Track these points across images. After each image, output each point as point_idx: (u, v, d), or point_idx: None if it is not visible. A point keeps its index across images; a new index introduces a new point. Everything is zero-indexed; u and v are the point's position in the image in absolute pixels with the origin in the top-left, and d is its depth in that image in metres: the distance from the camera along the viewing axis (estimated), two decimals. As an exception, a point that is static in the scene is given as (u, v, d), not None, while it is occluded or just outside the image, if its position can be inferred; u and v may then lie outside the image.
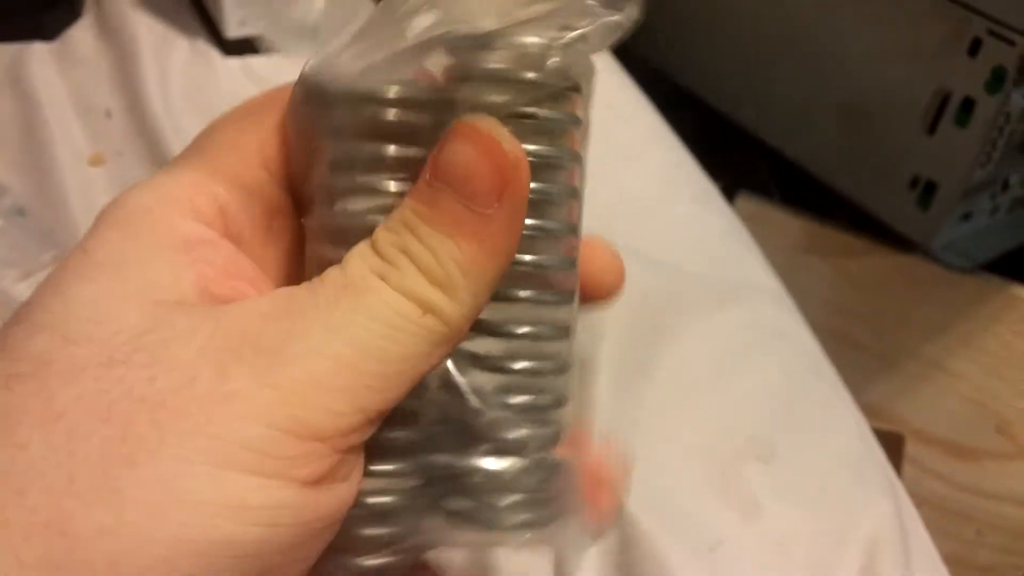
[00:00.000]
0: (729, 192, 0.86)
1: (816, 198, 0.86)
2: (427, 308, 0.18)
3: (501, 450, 0.21)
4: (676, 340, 0.52)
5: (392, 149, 0.20)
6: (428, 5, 0.20)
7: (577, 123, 0.21)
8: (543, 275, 0.21)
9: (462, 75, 0.20)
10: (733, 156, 0.91)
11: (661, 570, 0.42)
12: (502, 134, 0.18)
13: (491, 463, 0.21)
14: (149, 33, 0.70)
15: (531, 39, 0.20)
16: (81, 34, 0.71)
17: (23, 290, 0.53)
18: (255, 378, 0.17)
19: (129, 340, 0.17)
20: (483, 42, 0.20)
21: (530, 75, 0.20)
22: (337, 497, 0.18)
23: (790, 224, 0.85)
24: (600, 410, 0.48)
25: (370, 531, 0.20)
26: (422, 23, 0.20)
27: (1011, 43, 0.65)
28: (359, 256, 0.19)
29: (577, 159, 0.22)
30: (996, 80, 0.67)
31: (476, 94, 0.20)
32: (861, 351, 0.84)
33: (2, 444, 0.15)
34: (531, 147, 0.20)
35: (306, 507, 0.17)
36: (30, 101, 0.65)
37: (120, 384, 0.16)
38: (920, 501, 0.82)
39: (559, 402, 0.22)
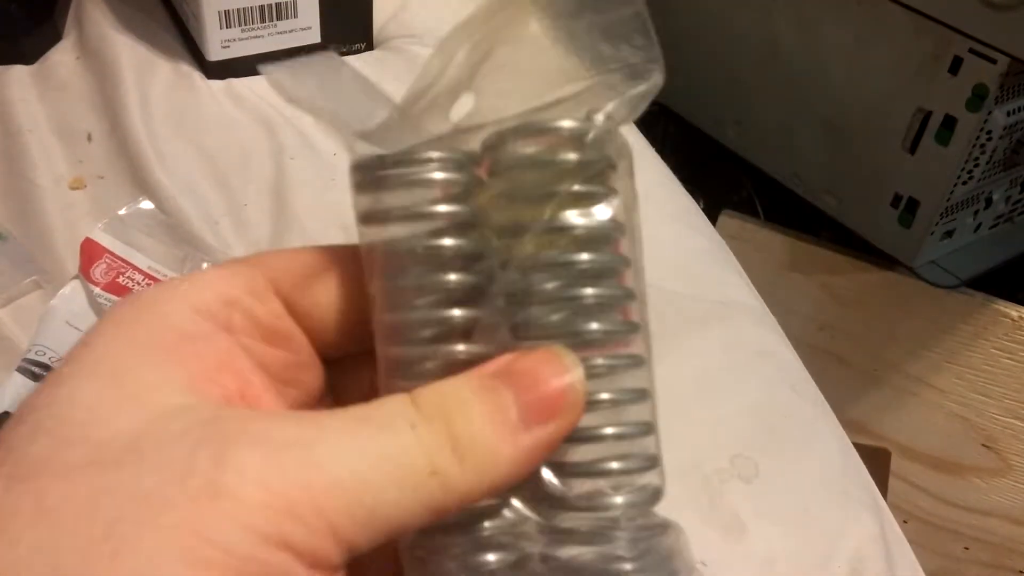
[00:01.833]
0: (712, 210, 0.86)
1: (799, 215, 0.86)
2: (436, 471, 0.18)
3: (599, 520, 0.21)
4: (660, 362, 0.52)
5: (447, 278, 0.20)
6: (460, 88, 0.20)
7: (614, 195, 0.21)
8: (610, 340, 0.21)
9: (505, 163, 0.21)
10: (716, 174, 0.91)
11: (644, 593, 0.42)
12: (578, 373, 0.19)
13: (590, 535, 0.20)
14: (131, 55, 0.70)
15: (566, 123, 0.20)
16: (62, 57, 0.71)
17: (4, 316, 0.53)
18: (249, 474, 0.17)
19: (124, 444, 0.17)
20: (522, 129, 0.20)
21: (570, 156, 0.20)
22: None
23: (774, 241, 0.85)
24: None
25: None
26: (461, 109, 0.20)
27: (992, 61, 0.66)
28: (397, 401, 0.19)
29: (622, 230, 0.22)
30: (977, 98, 0.68)
31: (519, 180, 0.20)
32: (846, 367, 0.84)
33: None
34: (580, 222, 0.20)
35: None
36: (10, 125, 0.65)
37: (110, 483, 0.16)
38: (907, 517, 0.82)
39: (651, 463, 0.22)
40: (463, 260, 0.21)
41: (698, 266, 0.60)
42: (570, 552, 0.20)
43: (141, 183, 0.62)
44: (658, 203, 0.65)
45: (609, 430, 0.21)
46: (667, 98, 0.93)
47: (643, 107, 0.21)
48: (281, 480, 0.17)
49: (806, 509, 0.47)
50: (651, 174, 0.68)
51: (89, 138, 0.66)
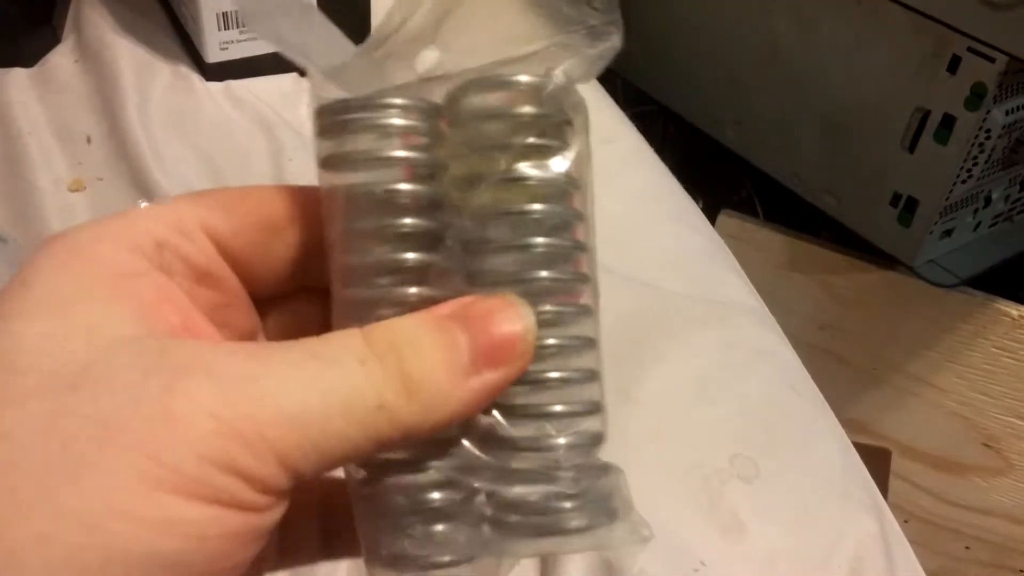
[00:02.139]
0: (711, 210, 0.86)
1: (799, 215, 0.86)
2: (383, 405, 0.19)
3: (544, 461, 0.21)
4: (659, 361, 0.52)
5: (404, 221, 0.21)
6: (424, 39, 0.21)
7: (569, 149, 0.22)
8: (560, 289, 0.22)
9: (465, 115, 0.21)
10: (715, 174, 0.91)
11: (644, 593, 0.42)
12: (531, 321, 0.20)
13: (534, 474, 0.21)
14: (130, 58, 0.70)
15: (524, 78, 0.21)
16: (61, 60, 0.71)
17: (1, 318, 0.53)
18: (199, 403, 0.17)
19: (76, 371, 0.18)
20: (482, 82, 0.21)
21: (526, 110, 0.21)
22: (261, 518, 0.19)
23: (773, 241, 0.85)
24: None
25: (427, 529, 0.21)
26: (425, 62, 0.21)
27: (991, 60, 0.66)
28: (346, 336, 0.20)
29: (575, 185, 0.22)
30: (976, 97, 0.68)
31: (478, 131, 0.21)
32: (846, 367, 0.84)
33: None
34: (534, 173, 0.21)
35: (229, 524, 0.18)
36: (10, 127, 0.65)
37: (65, 406, 0.17)
38: (908, 516, 0.82)
39: (593, 408, 0.22)
40: (421, 206, 0.21)
41: (697, 266, 0.60)
42: (515, 491, 0.21)
43: (140, 184, 0.62)
44: (657, 202, 0.65)
45: (555, 375, 0.21)
46: (666, 98, 0.93)
47: (601, 67, 0.21)
48: (230, 411, 0.17)
49: (806, 509, 0.47)
50: (650, 173, 0.68)
51: (88, 140, 0.66)
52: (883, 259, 0.80)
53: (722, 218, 0.87)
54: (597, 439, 0.23)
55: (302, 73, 0.74)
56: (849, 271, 0.82)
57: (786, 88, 0.81)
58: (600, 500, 0.22)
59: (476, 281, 0.21)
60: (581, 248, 0.23)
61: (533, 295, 0.21)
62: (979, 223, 0.79)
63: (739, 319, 0.57)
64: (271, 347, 0.19)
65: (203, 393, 0.17)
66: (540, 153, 0.21)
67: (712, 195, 0.88)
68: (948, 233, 0.76)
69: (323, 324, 0.22)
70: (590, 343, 0.22)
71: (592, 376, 0.22)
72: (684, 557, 0.44)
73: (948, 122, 0.69)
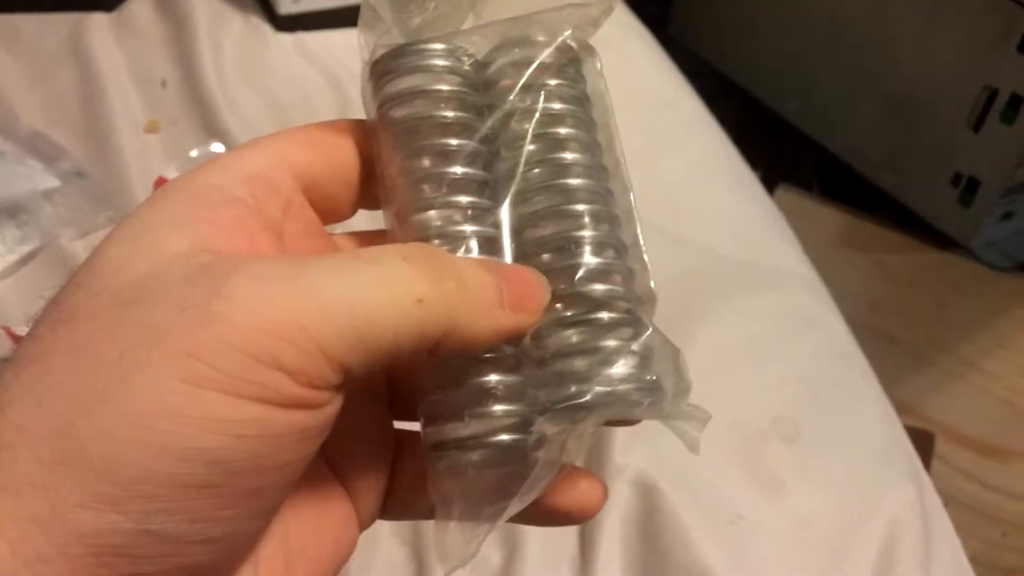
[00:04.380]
0: (769, 184, 0.86)
1: (856, 192, 0.86)
2: (423, 298, 0.20)
3: (594, 328, 0.23)
4: (709, 321, 0.53)
5: (451, 141, 0.24)
6: (467, 5, 0.25)
7: (582, 81, 0.26)
8: (589, 175, 0.24)
9: (501, 65, 0.25)
10: (775, 148, 0.91)
11: (683, 540, 0.43)
12: (546, 286, 0.23)
13: (589, 342, 0.23)
14: (205, 7, 0.72)
15: (541, 36, 0.25)
16: (139, 6, 0.73)
17: (80, 248, 0.56)
18: (240, 302, 0.18)
19: (137, 286, 0.19)
20: (512, 40, 0.25)
21: (545, 57, 0.25)
22: (309, 417, 0.19)
23: (829, 217, 0.85)
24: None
25: (492, 408, 0.22)
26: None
27: (1062, 40, 0.65)
28: (392, 245, 0.21)
29: (589, 105, 0.26)
30: (1045, 77, 0.67)
31: (512, 76, 0.24)
32: (895, 347, 0.84)
33: (37, 369, 0.19)
34: (556, 105, 0.24)
35: (273, 423, 0.19)
36: (89, 70, 0.67)
37: (123, 318, 0.19)
38: (947, 499, 0.82)
39: (633, 276, 0.24)
40: (465, 129, 0.24)
41: (753, 233, 0.61)
42: (573, 363, 0.23)
43: (212, 129, 0.64)
44: (716, 169, 0.66)
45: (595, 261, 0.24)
46: (729, 69, 0.92)
47: (603, 21, 0.25)
48: (270, 306, 0.19)
49: (846, 472, 0.47)
50: (710, 141, 0.68)
51: (164, 84, 0.68)
52: (939, 240, 0.79)
53: (779, 192, 0.87)
54: (649, 298, 0.24)
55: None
56: (905, 251, 0.82)
57: (851, 63, 0.80)
58: (651, 371, 0.23)
59: (513, 197, 0.24)
60: (598, 162, 0.25)
61: (564, 195, 0.24)
62: (1040, 207, 0.78)
63: (791, 287, 0.57)
64: (315, 256, 0.21)
65: (244, 292, 0.19)
66: (559, 88, 0.25)
67: (770, 168, 0.88)
68: (1008, 216, 0.76)
69: None
70: (620, 218, 0.25)
71: (627, 269, 0.24)
72: (722, 508, 0.45)
73: (1016, 102, 0.69)
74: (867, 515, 0.45)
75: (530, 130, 0.24)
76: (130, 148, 0.62)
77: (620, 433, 0.47)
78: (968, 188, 0.74)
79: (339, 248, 0.26)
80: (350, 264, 0.20)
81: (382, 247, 0.21)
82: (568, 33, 0.25)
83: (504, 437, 0.22)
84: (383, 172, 0.24)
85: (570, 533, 0.45)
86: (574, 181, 0.24)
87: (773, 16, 0.87)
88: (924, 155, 0.77)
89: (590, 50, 0.26)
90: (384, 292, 0.19)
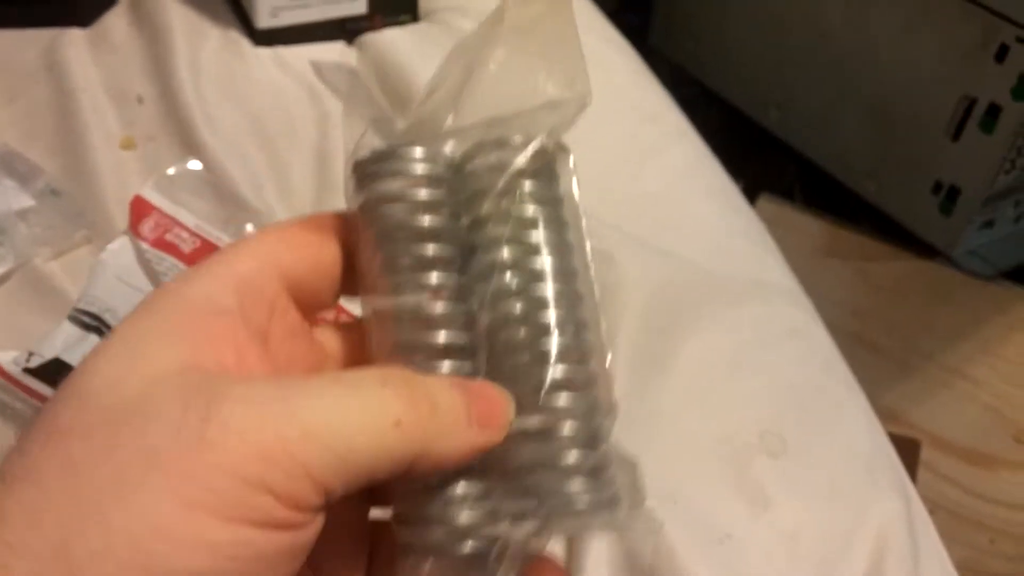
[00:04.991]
0: (750, 193, 0.86)
1: (838, 201, 0.86)
2: (400, 422, 0.21)
3: (551, 450, 0.24)
4: (692, 334, 0.53)
5: (426, 246, 0.25)
6: (447, 108, 0.26)
7: (555, 184, 0.27)
8: (562, 295, 0.25)
9: (476, 167, 0.26)
10: (756, 158, 0.91)
11: (670, 561, 0.42)
12: (511, 407, 0.24)
13: (543, 461, 0.24)
14: (182, 21, 0.71)
15: (518, 137, 0.25)
16: (115, 21, 0.72)
17: (55, 268, 0.55)
18: (231, 428, 0.19)
19: (131, 406, 0.20)
20: (487, 144, 0.26)
21: (520, 162, 0.25)
22: (296, 537, 0.20)
23: (811, 226, 0.85)
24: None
25: (459, 517, 0.23)
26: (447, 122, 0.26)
27: (1039, 50, 0.65)
28: (370, 370, 0.22)
29: (559, 207, 0.26)
30: (1023, 86, 0.67)
31: (486, 181, 0.25)
32: (879, 355, 0.84)
33: (30, 488, 0.19)
34: (529, 209, 0.25)
35: (262, 544, 0.20)
36: (65, 85, 0.67)
37: (122, 439, 0.20)
38: (934, 507, 0.82)
39: (595, 386, 0.25)
40: (441, 235, 0.25)
41: (735, 244, 0.61)
42: (527, 479, 0.24)
43: (189, 145, 0.63)
44: (697, 180, 0.66)
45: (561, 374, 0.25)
46: (709, 79, 0.93)
47: (578, 118, 0.26)
48: (260, 432, 0.19)
49: (832, 486, 0.47)
50: (692, 151, 0.68)
51: (140, 100, 0.67)
52: (921, 248, 0.79)
53: (761, 202, 0.87)
54: (610, 410, 0.25)
55: (349, 41, 0.75)
56: (886, 259, 0.82)
57: (831, 72, 0.80)
58: (608, 486, 0.24)
59: (487, 301, 0.25)
60: (570, 265, 0.26)
61: (535, 302, 0.25)
62: (1021, 215, 0.78)
63: (774, 298, 0.57)
64: (299, 377, 0.22)
65: (235, 418, 0.19)
66: (533, 194, 0.26)
67: (751, 179, 0.88)
68: (989, 224, 0.76)
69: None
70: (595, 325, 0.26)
71: (591, 379, 0.25)
72: (710, 528, 0.44)
73: (994, 111, 0.69)
74: (855, 529, 0.45)
75: (504, 235, 0.25)
76: (106, 165, 0.61)
77: (605, 450, 0.46)
78: (949, 197, 0.74)
79: (320, 346, 0.26)
80: (332, 388, 0.21)
81: (362, 372, 0.22)
82: (543, 136, 0.25)
83: (467, 545, 0.23)
84: (363, 267, 0.25)
85: (555, 554, 0.45)
86: (544, 289, 0.25)
87: (753, 26, 0.87)
88: (905, 164, 0.77)
89: (564, 149, 0.27)
90: (365, 418, 0.21)
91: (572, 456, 0.23)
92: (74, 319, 0.49)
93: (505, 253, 0.25)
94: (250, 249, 0.24)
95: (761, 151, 0.92)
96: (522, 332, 0.24)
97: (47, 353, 0.47)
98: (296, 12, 0.72)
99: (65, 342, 0.48)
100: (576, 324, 0.25)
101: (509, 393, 0.24)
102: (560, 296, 0.25)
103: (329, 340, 0.27)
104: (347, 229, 0.25)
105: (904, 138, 0.77)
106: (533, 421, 0.23)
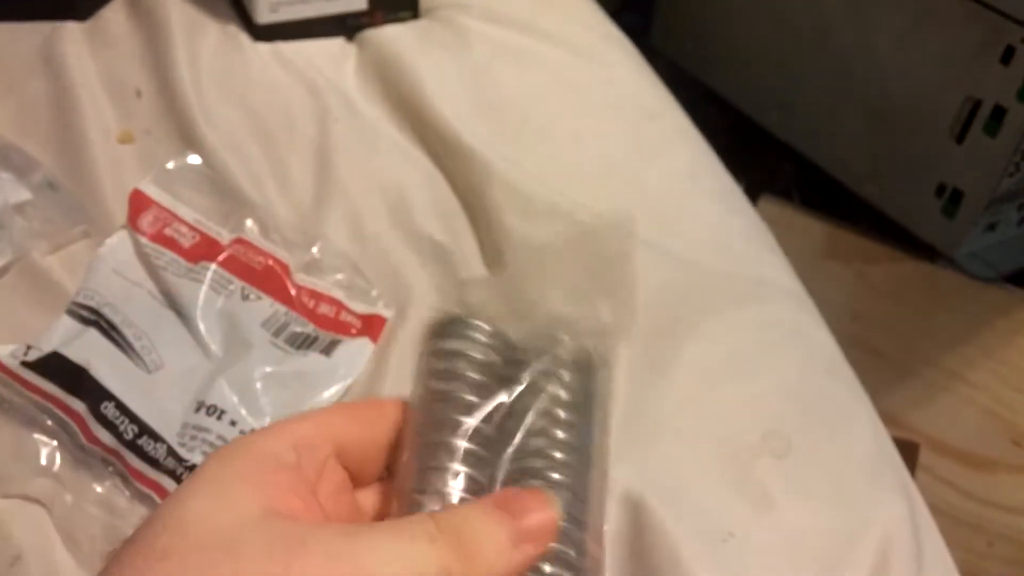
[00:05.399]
0: (750, 195, 0.86)
1: (836, 203, 0.86)
2: (447, 572, 0.24)
3: None
4: (695, 336, 0.52)
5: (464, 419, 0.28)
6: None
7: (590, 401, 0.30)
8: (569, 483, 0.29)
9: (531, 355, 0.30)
10: (755, 159, 0.91)
11: (673, 559, 0.42)
12: (557, 508, 0.27)
13: None
14: (181, 16, 0.71)
15: (566, 345, 0.30)
16: (113, 14, 0.72)
17: (53, 262, 0.54)
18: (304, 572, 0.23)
19: (222, 538, 0.24)
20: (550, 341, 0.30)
21: (564, 375, 0.30)
22: None
23: (812, 228, 0.85)
24: (617, 403, 0.48)
25: None
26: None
27: (1045, 51, 0.65)
28: (421, 519, 0.26)
29: (591, 407, 0.30)
30: (1028, 88, 0.67)
31: (529, 356, 0.30)
32: (879, 358, 0.84)
33: None
34: (563, 393, 0.29)
35: None
36: (62, 79, 0.66)
37: (214, 564, 0.23)
38: (932, 511, 0.81)
39: (586, 552, 0.28)
40: (478, 410, 0.29)
41: (738, 244, 0.60)
42: None
43: (188, 140, 0.63)
44: (700, 180, 0.65)
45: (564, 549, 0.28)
46: (711, 80, 0.92)
47: (618, 341, 0.31)
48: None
49: (837, 488, 0.47)
50: (694, 151, 0.68)
51: (138, 94, 0.67)
52: (922, 250, 0.79)
53: (761, 203, 0.87)
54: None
55: (349, 37, 0.74)
56: (887, 261, 0.82)
57: (834, 74, 0.80)
58: None
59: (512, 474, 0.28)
60: (585, 442, 0.30)
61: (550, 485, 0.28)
62: (1023, 218, 0.78)
63: (777, 299, 0.57)
64: (363, 527, 0.25)
65: (312, 568, 0.23)
66: (570, 383, 0.30)
67: (752, 180, 0.88)
68: (992, 227, 0.76)
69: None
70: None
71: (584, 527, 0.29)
72: (713, 527, 0.44)
73: (999, 114, 0.69)
74: (859, 532, 0.45)
75: (537, 407, 0.29)
76: (103, 159, 0.61)
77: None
78: (952, 199, 0.74)
79: (360, 505, 0.30)
80: (391, 542, 0.25)
81: (415, 523, 0.26)
82: (590, 343, 0.30)
83: None
84: (401, 453, 0.29)
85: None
86: (559, 456, 0.29)
87: (755, 25, 0.87)
88: (908, 166, 0.77)
89: (604, 361, 0.31)
90: (417, 570, 0.24)
91: None
92: (72, 313, 0.49)
93: (536, 421, 0.29)
94: (312, 415, 0.29)
95: (761, 152, 0.92)
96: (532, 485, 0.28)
97: (45, 347, 0.46)
98: (296, 7, 0.71)
99: (63, 336, 0.47)
100: (580, 497, 0.29)
101: (549, 493, 0.28)
102: (569, 467, 0.28)
103: (369, 500, 0.31)
104: (404, 418, 0.30)
105: (907, 140, 0.76)
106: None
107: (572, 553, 0.27)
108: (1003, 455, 0.81)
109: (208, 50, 0.70)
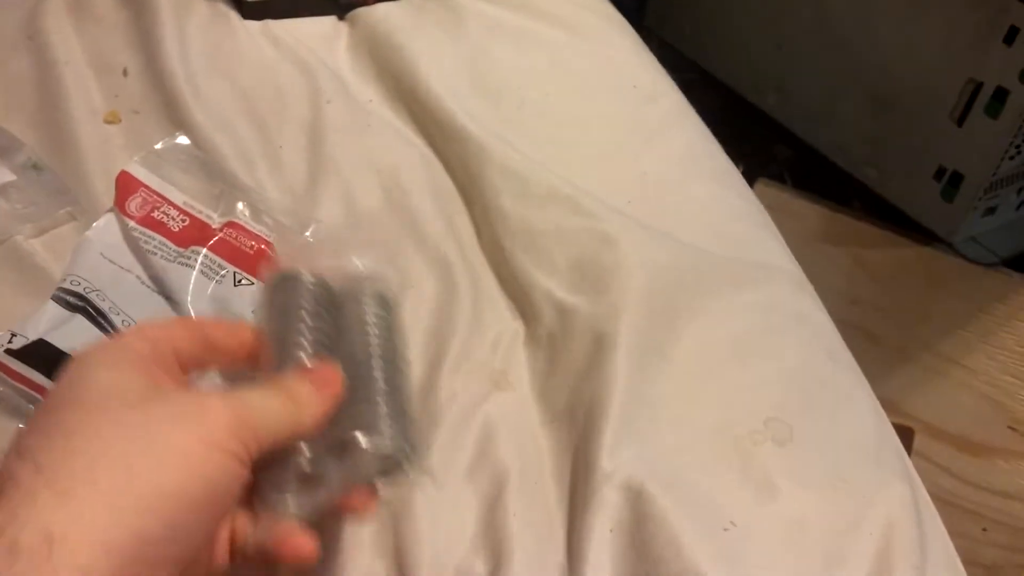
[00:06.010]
0: (747, 178, 0.85)
1: (830, 186, 0.85)
2: (286, 413, 0.35)
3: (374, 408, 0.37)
4: (694, 320, 0.51)
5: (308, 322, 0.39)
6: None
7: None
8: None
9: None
10: (752, 142, 0.90)
11: (675, 548, 0.41)
12: (340, 379, 0.38)
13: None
14: (169, -8, 0.69)
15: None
16: (99, -10, 0.70)
17: (37, 246, 0.53)
18: (218, 406, 0.33)
19: (139, 400, 0.32)
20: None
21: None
22: (238, 476, 0.33)
23: (808, 212, 0.84)
24: (617, 387, 0.47)
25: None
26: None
27: (1048, 31, 0.64)
28: (274, 383, 0.36)
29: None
30: (1031, 70, 0.66)
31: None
32: (876, 343, 0.83)
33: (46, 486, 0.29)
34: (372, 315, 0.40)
35: (230, 469, 0.32)
36: (46, 55, 0.64)
37: (147, 412, 0.32)
38: (928, 495, 0.81)
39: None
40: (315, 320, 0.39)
41: (737, 228, 0.59)
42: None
43: (176, 120, 0.61)
44: (698, 163, 0.64)
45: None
46: (707, 62, 0.91)
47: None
48: (232, 412, 0.33)
49: (839, 474, 0.46)
50: (692, 134, 0.67)
51: (125, 72, 0.65)
52: (919, 234, 0.78)
53: (757, 186, 0.86)
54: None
55: (341, 16, 0.73)
56: (884, 245, 0.81)
57: (833, 55, 0.79)
58: (408, 442, 0.37)
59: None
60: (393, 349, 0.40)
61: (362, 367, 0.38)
62: (1023, 202, 0.77)
63: (777, 283, 0.56)
64: (242, 388, 0.35)
65: (217, 402, 0.33)
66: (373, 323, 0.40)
67: (748, 163, 0.87)
68: (991, 211, 0.75)
69: None
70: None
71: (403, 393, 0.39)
72: (714, 515, 0.43)
73: (1001, 95, 0.68)
74: (862, 517, 0.44)
75: (353, 321, 0.40)
76: (89, 139, 0.59)
77: (607, 438, 0.45)
78: (951, 182, 0.73)
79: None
80: (260, 394, 0.35)
81: (272, 384, 0.36)
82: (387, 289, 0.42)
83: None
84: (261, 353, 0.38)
85: (558, 540, 0.43)
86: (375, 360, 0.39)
87: (752, 6, 0.85)
88: (907, 149, 0.76)
89: (398, 302, 0.42)
90: (274, 411, 0.35)
91: (384, 421, 0.37)
92: (58, 299, 0.47)
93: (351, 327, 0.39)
94: (160, 323, 0.37)
95: (756, 135, 0.91)
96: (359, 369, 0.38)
97: (31, 334, 0.45)
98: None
99: (49, 323, 0.46)
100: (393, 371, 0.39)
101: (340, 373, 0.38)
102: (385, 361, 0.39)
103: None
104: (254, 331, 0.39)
105: (907, 123, 0.75)
106: (360, 407, 0.37)
107: (375, 414, 0.37)
108: (999, 441, 0.81)
109: (197, 28, 0.68)
